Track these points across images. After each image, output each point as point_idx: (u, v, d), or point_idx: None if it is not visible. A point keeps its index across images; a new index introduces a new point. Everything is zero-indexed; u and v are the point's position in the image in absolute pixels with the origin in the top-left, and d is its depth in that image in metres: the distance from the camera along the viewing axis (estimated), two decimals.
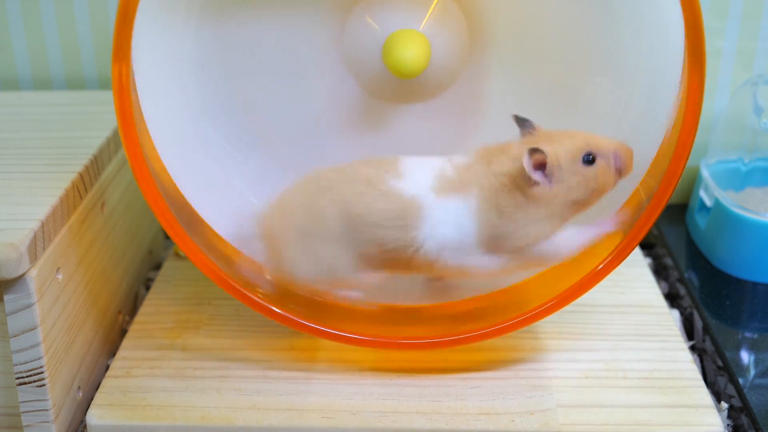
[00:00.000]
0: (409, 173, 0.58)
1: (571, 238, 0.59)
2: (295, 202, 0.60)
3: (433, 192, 0.57)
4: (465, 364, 0.64)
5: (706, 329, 0.71)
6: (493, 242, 0.58)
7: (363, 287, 0.61)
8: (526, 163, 0.55)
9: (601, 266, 0.60)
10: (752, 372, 0.66)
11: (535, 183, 0.56)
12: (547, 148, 0.56)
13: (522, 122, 0.59)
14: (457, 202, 0.57)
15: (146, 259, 0.82)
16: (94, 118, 0.75)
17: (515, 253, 0.58)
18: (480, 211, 0.57)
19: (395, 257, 0.58)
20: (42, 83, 0.89)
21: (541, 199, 0.57)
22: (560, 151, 0.57)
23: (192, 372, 0.64)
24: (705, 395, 0.62)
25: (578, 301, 0.61)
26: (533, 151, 0.56)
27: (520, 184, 0.57)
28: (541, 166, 0.56)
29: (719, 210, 0.78)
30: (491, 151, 0.59)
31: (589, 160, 0.57)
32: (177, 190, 0.62)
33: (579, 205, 0.58)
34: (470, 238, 0.58)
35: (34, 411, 0.60)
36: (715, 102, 0.87)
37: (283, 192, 0.61)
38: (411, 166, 0.59)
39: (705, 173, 0.83)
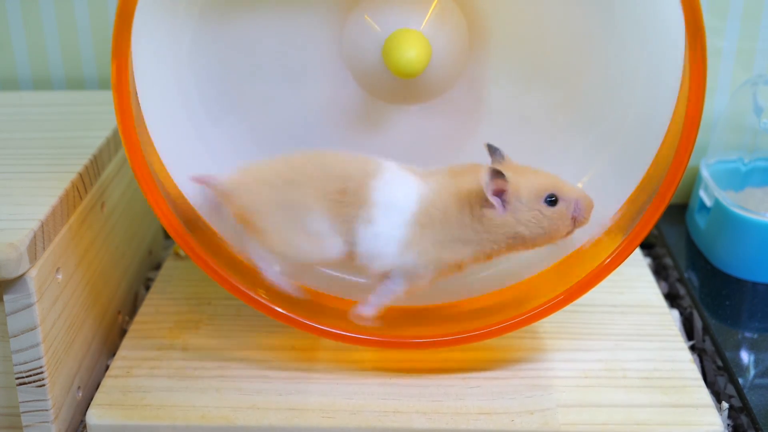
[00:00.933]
0: (382, 159, 0.60)
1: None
2: (273, 163, 0.60)
3: (398, 166, 0.59)
4: (465, 364, 0.64)
5: (706, 329, 0.72)
6: (419, 235, 0.58)
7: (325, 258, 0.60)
8: (486, 182, 0.56)
9: (601, 266, 0.60)
10: (752, 372, 0.66)
11: (490, 205, 0.57)
12: (511, 177, 0.57)
13: (493, 151, 0.60)
14: (414, 179, 0.59)
15: (146, 259, 0.82)
16: (94, 118, 0.75)
17: (428, 263, 0.58)
18: (428, 199, 0.58)
19: (348, 205, 0.58)
20: (42, 83, 0.89)
21: (486, 222, 0.57)
22: (523, 184, 0.57)
23: (192, 372, 0.64)
24: (705, 395, 0.62)
25: (578, 301, 0.61)
26: (496, 173, 0.56)
27: (474, 202, 0.57)
28: (500, 192, 0.57)
29: (719, 210, 0.78)
30: (460, 167, 0.60)
31: (551, 200, 0.58)
32: (177, 189, 0.62)
33: (521, 242, 0.58)
34: (405, 214, 0.58)
35: (34, 411, 0.60)
36: (715, 102, 0.87)
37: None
38: (384, 160, 0.60)
39: (705, 173, 0.83)
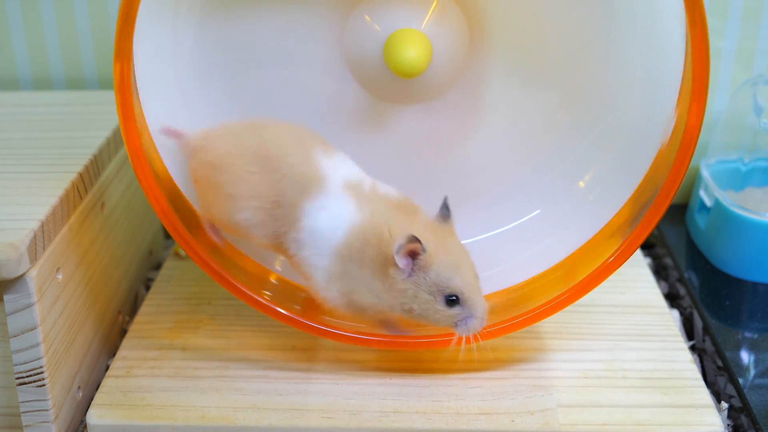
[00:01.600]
0: (338, 159, 0.59)
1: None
2: (221, 135, 0.60)
3: (343, 184, 0.57)
4: (465, 364, 0.64)
5: (706, 329, 0.71)
6: (338, 266, 0.57)
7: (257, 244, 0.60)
8: (399, 243, 0.54)
9: (602, 267, 0.60)
10: (752, 372, 0.66)
11: (395, 265, 0.55)
12: (434, 253, 0.55)
13: (444, 208, 0.58)
14: (351, 205, 0.57)
15: (146, 259, 0.82)
16: (94, 118, 0.75)
17: (335, 293, 0.58)
18: (355, 228, 0.56)
19: (281, 220, 0.57)
20: (42, 83, 0.89)
21: (388, 281, 0.56)
22: (438, 266, 0.55)
23: (192, 372, 0.64)
24: (705, 395, 0.62)
25: (578, 301, 0.61)
26: (413, 240, 0.54)
27: (388, 254, 0.55)
28: (412, 255, 0.55)
29: (719, 210, 0.78)
30: (407, 203, 0.58)
31: (451, 300, 0.56)
32: (178, 189, 0.62)
33: (410, 315, 0.57)
34: (331, 241, 0.57)
35: (34, 411, 0.60)
36: (715, 102, 0.87)
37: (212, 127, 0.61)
38: (342, 158, 0.59)
39: (705, 173, 0.83)
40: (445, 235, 0.57)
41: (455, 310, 0.57)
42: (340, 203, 0.57)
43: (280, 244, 0.59)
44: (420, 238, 0.54)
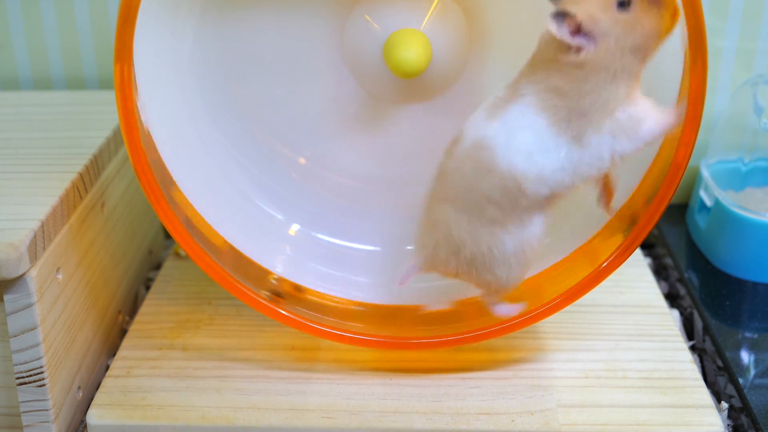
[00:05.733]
0: (465, 130, 0.58)
1: (652, 106, 0.55)
2: (424, 229, 0.60)
3: (488, 120, 0.56)
4: (465, 364, 0.64)
5: (706, 329, 0.72)
6: (575, 124, 0.54)
7: (536, 239, 0.59)
8: (557, 29, 0.52)
9: (602, 267, 0.60)
10: (752, 372, 0.66)
11: (579, 48, 0.53)
12: (573, 8, 0.53)
13: None
14: (513, 110, 0.55)
15: (146, 259, 0.82)
16: (94, 118, 0.75)
17: (607, 125, 0.54)
18: (539, 102, 0.55)
19: (511, 199, 0.56)
20: (42, 83, 0.89)
21: (596, 62, 0.53)
22: (590, 7, 0.53)
23: (192, 372, 0.64)
24: (705, 395, 0.62)
25: (578, 301, 0.61)
26: (559, 15, 0.52)
27: (567, 57, 0.54)
28: (577, 30, 0.53)
29: (719, 210, 0.78)
30: (535, 55, 0.57)
31: (623, 2, 0.53)
32: (178, 189, 0.62)
33: (641, 50, 0.54)
34: (546, 130, 0.55)
35: (34, 411, 0.60)
36: (715, 102, 0.87)
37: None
38: (467, 123, 0.58)
39: (705, 173, 0.83)
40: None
41: (636, 3, 0.53)
42: (508, 122, 0.55)
43: (533, 207, 0.57)
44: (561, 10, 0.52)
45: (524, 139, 0.55)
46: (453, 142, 0.59)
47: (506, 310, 0.61)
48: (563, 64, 0.54)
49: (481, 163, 0.56)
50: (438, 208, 0.58)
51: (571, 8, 0.53)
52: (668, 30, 0.54)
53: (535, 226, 0.58)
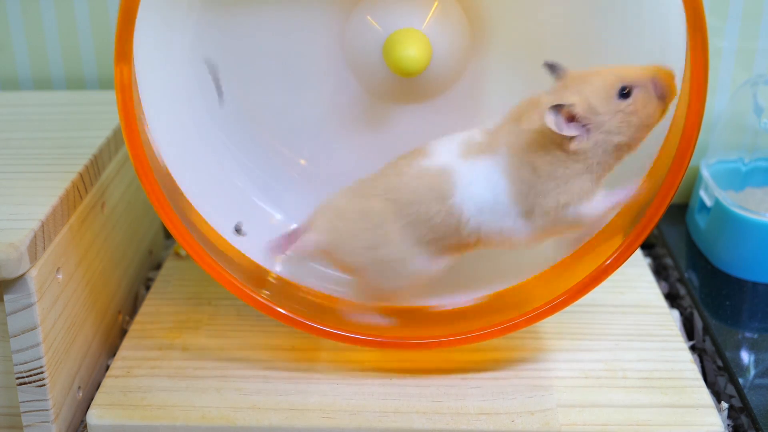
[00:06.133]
0: (435, 151, 0.59)
1: (600, 200, 0.56)
2: (347, 212, 0.60)
3: (461, 158, 0.57)
4: (465, 364, 0.64)
5: (706, 329, 0.71)
6: (530, 201, 0.56)
7: (432, 274, 0.60)
8: (553, 121, 0.53)
9: (603, 267, 0.60)
10: (752, 372, 0.66)
11: (572, 138, 0.54)
12: (574, 98, 0.54)
13: (552, 68, 0.57)
14: (486, 162, 0.57)
15: (146, 259, 0.82)
16: (94, 118, 0.75)
17: (553, 213, 0.56)
18: (511, 168, 0.56)
19: (445, 232, 0.58)
20: (42, 83, 0.89)
21: (581, 152, 0.54)
22: (590, 95, 0.54)
23: (192, 372, 0.64)
24: (705, 395, 0.62)
25: (578, 301, 0.61)
26: (557, 108, 0.53)
27: (556, 139, 0.54)
28: (572, 119, 0.54)
29: (719, 210, 0.78)
30: (521, 107, 0.57)
31: (625, 93, 0.54)
32: (179, 189, 0.62)
33: (623, 149, 0.55)
34: (504, 196, 0.56)
35: (34, 411, 0.60)
36: (715, 102, 0.87)
37: (323, 210, 0.61)
38: (437, 145, 0.59)
39: (705, 173, 0.83)
40: (573, 79, 0.56)
41: (638, 93, 0.54)
42: (475, 170, 0.57)
43: (452, 250, 0.59)
44: (558, 102, 0.53)
45: (481, 195, 0.57)
46: (418, 152, 0.59)
47: (374, 319, 0.63)
48: (549, 141, 0.55)
49: (438, 188, 0.57)
50: (378, 201, 0.58)
51: (570, 97, 0.54)
52: (660, 120, 0.56)
53: (441, 262, 0.60)
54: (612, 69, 0.55)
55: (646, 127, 0.55)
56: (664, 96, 0.54)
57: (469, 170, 0.57)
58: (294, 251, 0.62)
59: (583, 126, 0.54)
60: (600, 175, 0.56)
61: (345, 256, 0.60)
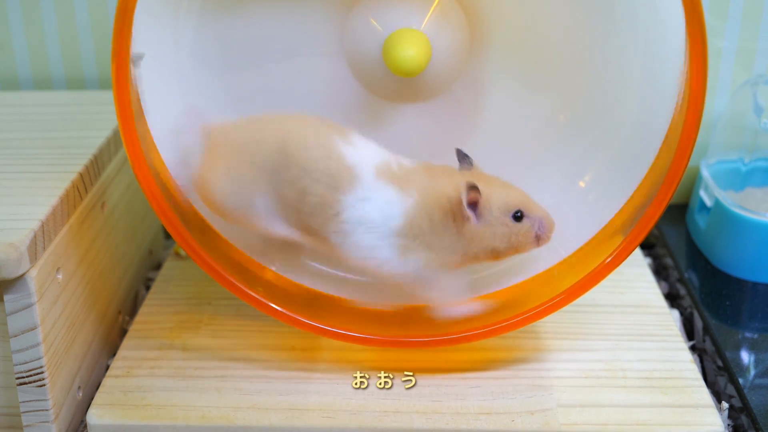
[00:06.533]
0: (359, 145, 0.59)
1: (455, 286, 0.62)
2: (242, 125, 0.60)
3: (374, 171, 0.58)
4: (465, 364, 0.64)
5: (706, 329, 0.71)
6: (406, 244, 0.58)
7: (270, 234, 0.61)
8: (464, 196, 0.57)
9: (602, 266, 0.60)
10: (752, 372, 0.66)
11: (467, 218, 0.58)
12: (484, 189, 0.58)
13: (462, 157, 0.61)
14: (395, 192, 0.58)
15: (146, 259, 0.82)
16: (94, 118, 0.75)
17: (423, 263, 0.59)
18: (413, 210, 0.58)
19: (311, 215, 0.58)
20: (42, 83, 0.89)
21: (466, 235, 0.58)
22: (494, 197, 0.59)
23: (192, 372, 0.64)
24: (705, 395, 0.62)
25: (578, 301, 0.61)
26: (472, 187, 0.57)
27: (456, 212, 0.58)
28: (474, 205, 0.58)
29: (719, 210, 0.78)
30: (435, 168, 0.60)
31: (518, 216, 0.59)
32: (178, 188, 0.62)
33: (493, 255, 0.60)
34: (389, 226, 0.58)
35: (34, 411, 0.60)
36: (715, 102, 0.87)
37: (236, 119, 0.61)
38: (362, 142, 0.60)
39: (705, 173, 0.83)
40: (482, 176, 0.60)
41: (526, 222, 0.59)
42: (382, 192, 0.58)
43: (312, 234, 0.59)
44: (475, 185, 0.57)
45: (370, 214, 0.58)
46: (341, 131, 0.59)
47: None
48: (451, 211, 0.58)
49: (337, 179, 0.57)
50: (272, 141, 0.58)
51: (483, 187, 0.58)
52: (526, 251, 0.61)
53: (291, 234, 0.60)
54: (517, 191, 0.60)
55: (515, 249, 0.60)
56: (539, 237, 0.60)
57: (375, 188, 0.58)
58: (190, 112, 0.62)
59: (477, 216, 0.58)
60: (466, 262, 0.60)
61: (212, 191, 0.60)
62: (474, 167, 0.61)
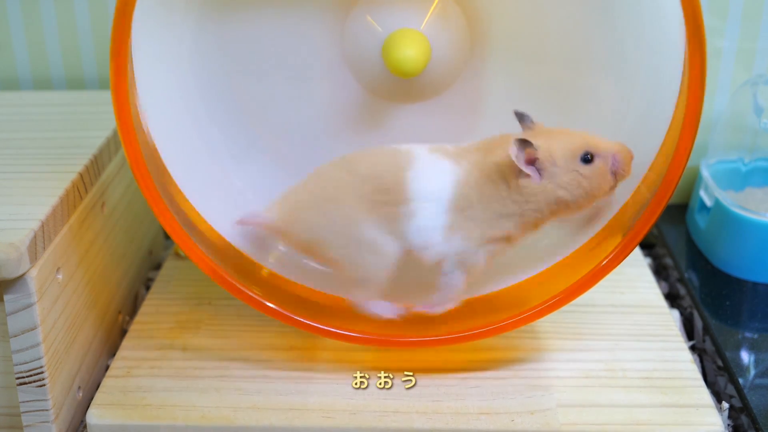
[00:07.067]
0: (408, 143, 0.60)
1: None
2: (303, 188, 0.60)
3: (428, 150, 0.59)
4: (465, 364, 0.64)
5: (706, 329, 0.72)
6: (461, 219, 0.58)
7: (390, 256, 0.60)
8: (516, 154, 0.55)
9: (601, 266, 0.60)
10: (752, 372, 0.66)
11: (525, 175, 0.56)
12: (540, 143, 0.56)
13: (521, 117, 0.59)
14: (447, 164, 0.58)
15: (146, 259, 0.82)
16: (94, 118, 0.75)
17: (472, 242, 0.58)
18: (463, 181, 0.58)
19: (388, 200, 0.58)
20: (42, 83, 0.89)
21: (525, 191, 0.57)
22: (555, 147, 0.57)
23: (192, 372, 0.64)
24: (705, 395, 0.62)
25: (578, 300, 0.61)
26: (523, 143, 0.55)
27: (508, 174, 0.57)
28: (532, 161, 0.56)
29: (719, 210, 0.78)
30: (492, 141, 0.59)
31: (587, 159, 0.57)
32: (177, 188, 0.62)
33: (562, 206, 0.58)
34: (443, 201, 0.58)
35: (34, 411, 0.60)
36: (715, 102, 0.87)
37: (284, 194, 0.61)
38: (413, 145, 0.60)
39: (705, 173, 0.83)
40: (543, 131, 0.58)
41: (597, 162, 0.57)
42: (436, 164, 0.58)
43: (398, 236, 0.59)
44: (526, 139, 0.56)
45: (426, 187, 0.58)
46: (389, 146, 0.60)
47: (384, 309, 0.63)
48: (503, 175, 0.57)
49: (396, 162, 0.58)
50: (336, 172, 0.59)
51: (537, 140, 0.56)
52: (605, 197, 0.58)
53: (392, 244, 0.60)
54: (582, 134, 0.58)
55: (591, 195, 0.58)
56: (617, 173, 0.58)
57: (430, 161, 0.58)
58: (244, 222, 0.62)
59: (539, 170, 0.57)
60: (528, 224, 0.58)
61: (301, 232, 0.60)
62: (536, 125, 0.59)
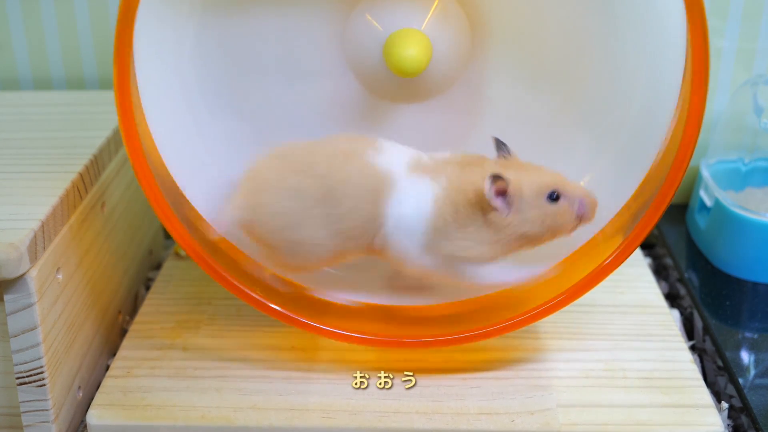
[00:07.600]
0: (385, 149, 0.60)
1: (500, 271, 0.61)
2: (270, 183, 0.60)
3: (407, 169, 0.59)
4: (465, 364, 0.64)
5: (706, 329, 0.72)
6: (437, 239, 0.58)
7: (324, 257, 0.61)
8: (487, 188, 0.56)
9: (602, 266, 0.60)
10: (752, 372, 0.66)
11: (494, 209, 0.57)
12: (511, 177, 0.57)
13: (499, 146, 0.60)
14: (425, 182, 0.58)
15: (146, 259, 0.82)
16: (94, 118, 0.75)
17: (449, 261, 0.59)
18: (440, 199, 0.58)
19: (360, 234, 0.59)
20: (42, 83, 0.89)
21: (494, 225, 0.58)
22: (525, 182, 0.58)
23: (192, 372, 0.64)
24: (705, 395, 0.62)
25: (578, 301, 0.61)
26: (496, 177, 0.56)
27: (483, 202, 0.57)
28: (502, 193, 0.57)
29: (719, 210, 0.78)
30: (468, 158, 0.60)
31: (554, 197, 0.58)
32: (178, 188, 0.62)
33: (529, 241, 0.59)
34: (422, 223, 0.58)
35: (34, 411, 0.60)
36: (715, 102, 0.87)
37: (253, 175, 0.61)
38: (389, 146, 0.60)
39: (705, 173, 0.83)
40: (516, 163, 0.59)
41: (563, 202, 0.58)
42: (415, 187, 0.58)
43: (359, 250, 0.61)
44: (498, 174, 0.56)
45: (406, 213, 0.58)
46: (367, 143, 0.60)
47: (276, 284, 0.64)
48: (477, 200, 0.57)
49: (375, 192, 0.58)
50: (311, 182, 0.59)
51: (509, 173, 0.57)
52: (567, 234, 0.60)
53: (348, 256, 0.61)
54: (554, 173, 0.59)
55: (553, 232, 0.59)
56: (581, 217, 0.59)
57: (408, 185, 0.58)
58: (216, 224, 0.62)
59: (507, 204, 0.57)
60: (502, 251, 0.59)
61: (265, 234, 0.60)
62: (511, 155, 0.60)
